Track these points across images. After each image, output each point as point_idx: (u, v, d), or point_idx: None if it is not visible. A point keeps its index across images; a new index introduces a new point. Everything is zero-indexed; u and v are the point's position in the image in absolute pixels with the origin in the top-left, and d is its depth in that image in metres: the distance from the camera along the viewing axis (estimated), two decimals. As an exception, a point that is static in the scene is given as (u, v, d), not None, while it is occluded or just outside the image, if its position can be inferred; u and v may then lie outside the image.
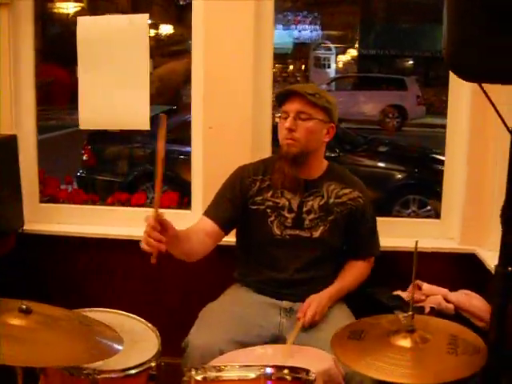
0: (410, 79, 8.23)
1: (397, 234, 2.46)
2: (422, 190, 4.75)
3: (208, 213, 2.09)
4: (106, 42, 2.45)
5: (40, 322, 1.46)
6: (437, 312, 2.03)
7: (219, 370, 1.35)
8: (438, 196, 4.04)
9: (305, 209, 2.07)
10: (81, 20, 2.48)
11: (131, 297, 2.39)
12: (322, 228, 2.06)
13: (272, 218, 2.06)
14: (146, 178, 4.85)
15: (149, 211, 2.65)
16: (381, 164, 5.12)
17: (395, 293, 2.22)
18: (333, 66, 9.00)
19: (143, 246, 1.71)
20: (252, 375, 1.33)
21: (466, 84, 2.27)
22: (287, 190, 2.07)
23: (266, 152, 2.46)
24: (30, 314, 1.45)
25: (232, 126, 2.41)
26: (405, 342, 1.43)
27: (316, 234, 2.06)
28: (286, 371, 1.36)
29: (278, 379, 1.34)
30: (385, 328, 1.53)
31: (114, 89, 2.47)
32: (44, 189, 2.78)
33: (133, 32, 2.42)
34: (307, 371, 1.38)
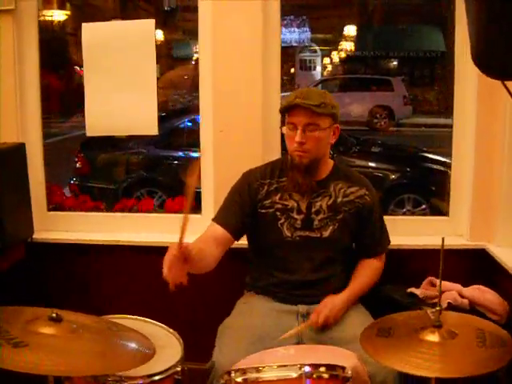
0: (396, 80, 8.25)
1: (406, 232, 2.49)
2: (416, 189, 4.76)
3: (217, 219, 2.08)
4: (111, 47, 2.45)
5: (70, 330, 1.44)
6: (453, 307, 2.05)
7: (258, 370, 1.35)
8: (432, 194, 4.10)
9: (313, 209, 2.07)
10: (86, 26, 2.47)
11: (145, 302, 2.37)
12: (331, 228, 2.07)
13: (282, 221, 2.06)
14: (140, 184, 4.80)
15: (156, 216, 2.69)
16: (374, 164, 5.12)
17: (409, 290, 2.24)
18: (318, 68, 9.03)
19: (166, 274, 1.69)
20: (293, 374, 1.33)
21: (472, 83, 2.31)
22: (296, 192, 2.07)
23: (276, 154, 2.46)
24: (60, 323, 1.44)
25: (242, 128, 2.40)
26: (434, 337, 1.45)
27: (326, 234, 2.06)
28: (322, 369, 1.37)
29: (318, 377, 1.34)
30: (411, 324, 1.55)
31: (120, 94, 2.46)
32: (50, 197, 2.75)
33: (139, 37, 2.42)
34: (343, 368, 1.39)
